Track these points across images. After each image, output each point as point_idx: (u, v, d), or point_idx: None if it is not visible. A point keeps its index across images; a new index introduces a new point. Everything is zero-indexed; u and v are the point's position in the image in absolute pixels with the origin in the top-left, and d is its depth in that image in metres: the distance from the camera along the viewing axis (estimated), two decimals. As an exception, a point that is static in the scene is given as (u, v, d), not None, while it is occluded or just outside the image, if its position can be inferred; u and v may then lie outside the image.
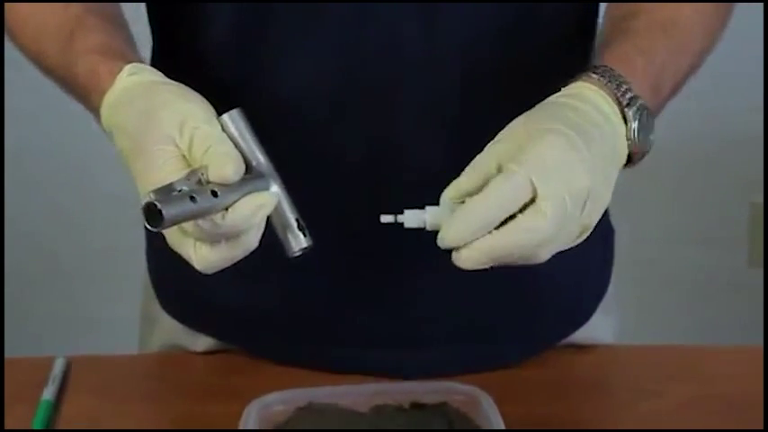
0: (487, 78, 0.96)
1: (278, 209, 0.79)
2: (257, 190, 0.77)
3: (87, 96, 0.89)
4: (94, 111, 0.87)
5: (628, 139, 0.83)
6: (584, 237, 0.81)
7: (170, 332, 1.10)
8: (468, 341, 1.04)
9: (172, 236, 0.78)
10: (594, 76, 0.85)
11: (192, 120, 0.79)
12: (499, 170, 0.77)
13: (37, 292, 2.36)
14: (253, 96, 0.91)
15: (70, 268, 2.35)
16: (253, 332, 1.05)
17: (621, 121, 0.84)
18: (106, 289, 2.28)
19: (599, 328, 1.10)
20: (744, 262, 2.37)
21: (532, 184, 0.76)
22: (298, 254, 0.80)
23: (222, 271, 0.79)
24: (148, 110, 0.81)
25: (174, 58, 1.01)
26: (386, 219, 0.79)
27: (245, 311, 1.05)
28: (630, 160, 0.84)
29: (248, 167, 0.78)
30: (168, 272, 1.09)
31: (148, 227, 0.73)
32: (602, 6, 1.02)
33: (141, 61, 0.88)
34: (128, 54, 0.89)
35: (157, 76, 0.85)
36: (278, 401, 0.91)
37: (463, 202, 0.77)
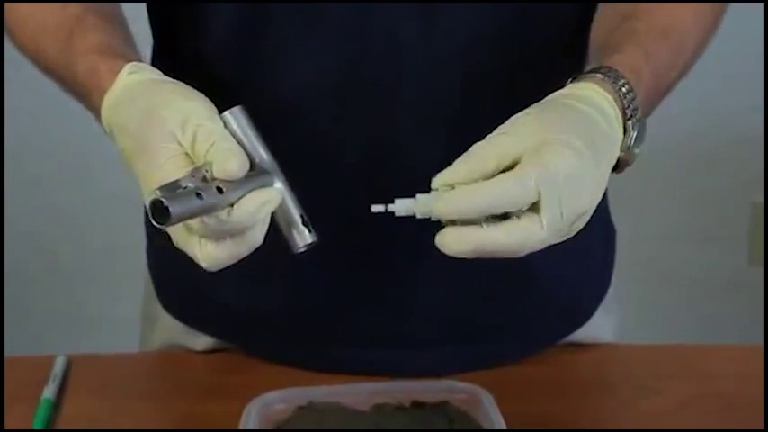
0: (487, 78, 0.95)
1: (282, 205, 0.79)
2: (262, 186, 0.77)
3: (87, 95, 0.88)
4: (94, 110, 0.87)
5: (621, 150, 0.83)
6: (566, 238, 0.80)
7: (170, 331, 1.10)
8: (468, 341, 1.04)
9: (177, 234, 0.78)
10: (602, 77, 0.84)
11: (195, 117, 0.79)
12: (499, 162, 0.76)
13: (37, 291, 2.36)
14: (252, 95, 0.91)
15: (70, 267, 2.35)
16: (253, 332, 1.05)
17: (621, 129, 0.83)
18: (106, 288, 2.28)
19: (599, 327, 1.10)
20: (744, 261, 2.37)
21: (539, 194, 0.75)
22: (303, 250, 0.80)
23: (222, 270, 0.78)
24: (150, 108, 0.81)
25: (175, 57, 1.01)
26: (376, 208, 0.79)
27: (245, 311, 1.05)
28: (615, 168, 0.84)
29: (252, 164, 0.78)
30: (168, 271, 1.09)
31: (155, 224, 0.72)
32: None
33: (141, 60, 0.88)
34: (127, 53, 0.89)
35: (157, 74, 0.85)
36: (278, 400, 0.91)
37: (453, 188, 0.77)
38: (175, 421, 0.97)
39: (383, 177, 0.96)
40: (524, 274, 1.02)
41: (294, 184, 0.81)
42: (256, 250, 0.78)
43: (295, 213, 0.80)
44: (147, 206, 0.73)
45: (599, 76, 0.84)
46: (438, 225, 0.77)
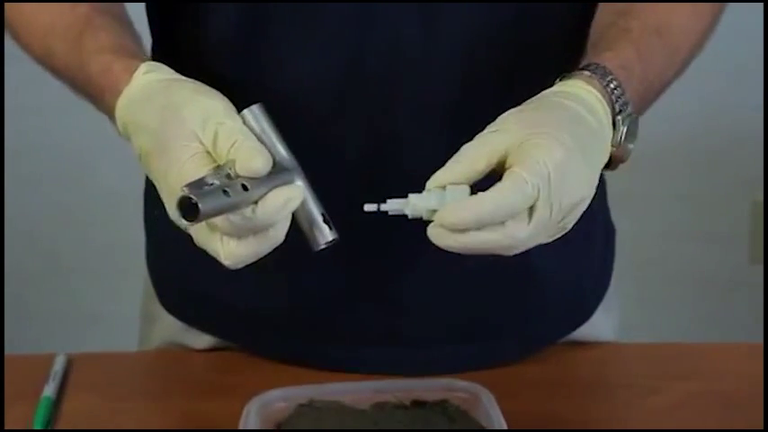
0: (487, 77, 0.95)
1: (303, 202, 0.79)
2: (284, 183, 0.77)
3: (100, 95, 0.88)
4: (108, 109, 0.87)
5: (613, 146, 0.83)
6: (559, 235, 0.80)
7: (170, 329, 1.10)
8: (468, 340, 1.04)
9: (199, 232, 0.78)
10: (590, 74, 0.84)
11: (215, 116, 0.79)
12: (489, 161, 0.77)
13: (37, 290, 2.36)
14: (253, 94, 0.91)
15: (70, 265, 2.35)
16: (252, 330, 1.05)
17: (611, 126, 0.83)
18: (106, 286, 2.28)
19: (599, 326, 1.10)
20: (745, 260, 2.37)
21: (538, 192, 0.76)
22: (323, 247, 0.80)
23: (222, 270, 0.78)
24: (169, 107, 0.81)
25: (174, 57, 1.00)
26: (369, 207, 0.79)
27: (244, 310, 1.04)
28: (608, 165, 0.84)
29: (273, 162, 0.78)
30: (168, 270, 1.09)
31: (185, 221, 0.72)
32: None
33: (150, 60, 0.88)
34: (139, 53, 0.89)
35: (173, 73, 0.85)
36: (279, 398, 0.91)
37: (444, 188, 0.77)
38: (175, 420, 0.97)
39: (383, 175, 0.96)
40: (524, 273, 1.02)
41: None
42: None
43: (316, 211, 0.80)
44: (175, 203, 0.73)
45: (586, 72, 0.84)
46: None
